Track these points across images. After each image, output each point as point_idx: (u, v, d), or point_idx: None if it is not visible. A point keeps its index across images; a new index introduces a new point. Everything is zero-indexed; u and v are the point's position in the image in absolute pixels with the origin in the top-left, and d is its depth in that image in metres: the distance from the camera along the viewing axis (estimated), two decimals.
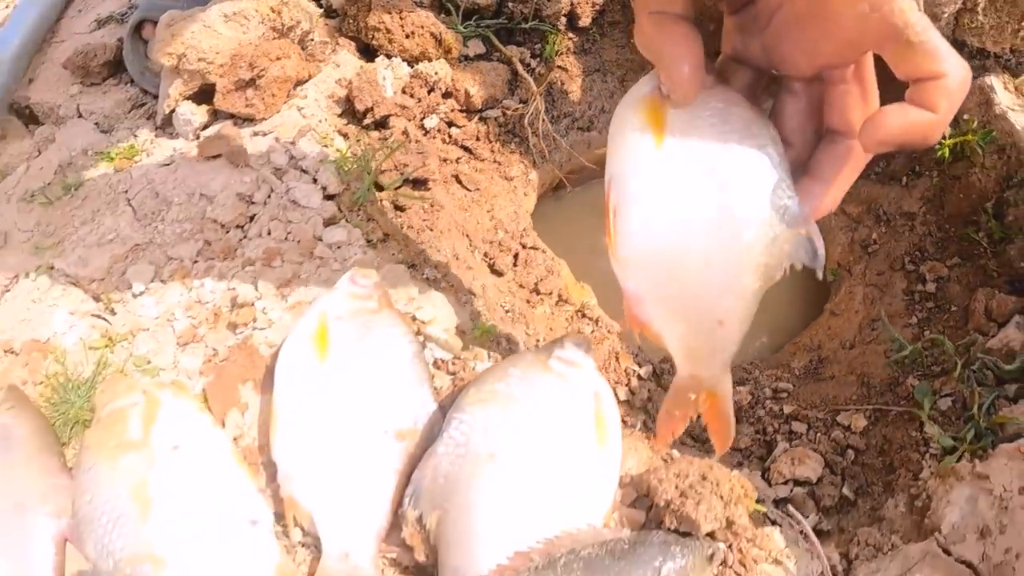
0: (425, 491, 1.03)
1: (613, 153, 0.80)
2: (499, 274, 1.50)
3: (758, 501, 1.07)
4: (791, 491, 1.22)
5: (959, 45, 1.52)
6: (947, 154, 1.45)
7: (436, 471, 1.04)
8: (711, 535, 1.01)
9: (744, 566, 1.02)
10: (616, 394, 1.33)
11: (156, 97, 1.65)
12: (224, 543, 1.01)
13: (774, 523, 1.09)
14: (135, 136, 1.59)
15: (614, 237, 0.78)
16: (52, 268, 1.39)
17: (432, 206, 1.51)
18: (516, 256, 1.52)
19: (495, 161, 1.62)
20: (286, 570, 1.02)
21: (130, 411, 1.09)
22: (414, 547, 1.02)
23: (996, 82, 1.48)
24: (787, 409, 1.34)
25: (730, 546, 1.02)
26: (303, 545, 1.06)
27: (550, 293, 1.49)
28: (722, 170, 0.72)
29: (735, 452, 1.31)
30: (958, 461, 1.13)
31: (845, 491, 1.21)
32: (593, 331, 1.45)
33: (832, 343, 1.47)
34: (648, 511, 1.06)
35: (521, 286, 1.49)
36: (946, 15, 1.48)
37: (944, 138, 1.45)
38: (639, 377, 1.40)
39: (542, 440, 1.06)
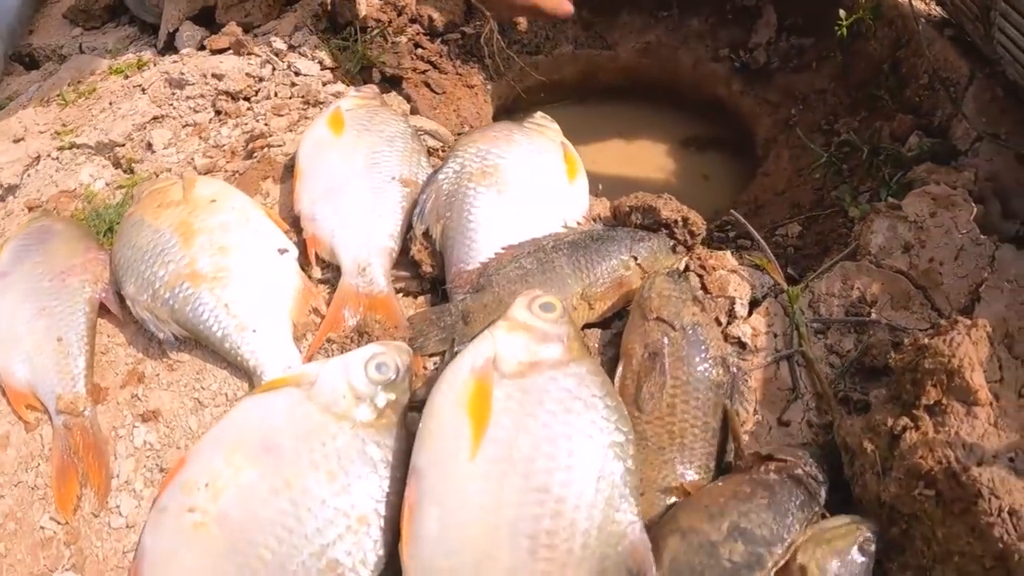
0: (429, 207, 1.19)
1: (423, 441, 0.81)
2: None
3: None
4: None
5: None
6: (845, 33, 1.71)
7: (438, 191, 1.20)
8: (671, 235, 1.19)
9: (704, 269, 1.19)
10: None
11: (155, 30, 1.86)
12: (257, 265, 1.15)
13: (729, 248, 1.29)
14: (139, 57, 1.79)
15: (406, 536, 0.79)
16: (73, 146, 1.53)
17: (408, 100, 1.73)
18: None
19: (457, 73, 1.84)
20: (308, 291, 1.15)
21: (170, 186, 1.24)
22: (422, 261, 1.18)
23: None
24: (731, 234, 1.54)
25: (688, 246, 1.20)
26: (320, 282, 1.20)
27: None
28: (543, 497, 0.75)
29: None
30: None
31: (790, 271, 1.40)
32: None
33: (767, 194, 1.67)
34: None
35: None
36: None
37: (840, 20, 1.73)
38: None
39: (525, 163, 1.25)
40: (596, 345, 1.09)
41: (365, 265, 1.15)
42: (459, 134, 1.46)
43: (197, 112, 1.54)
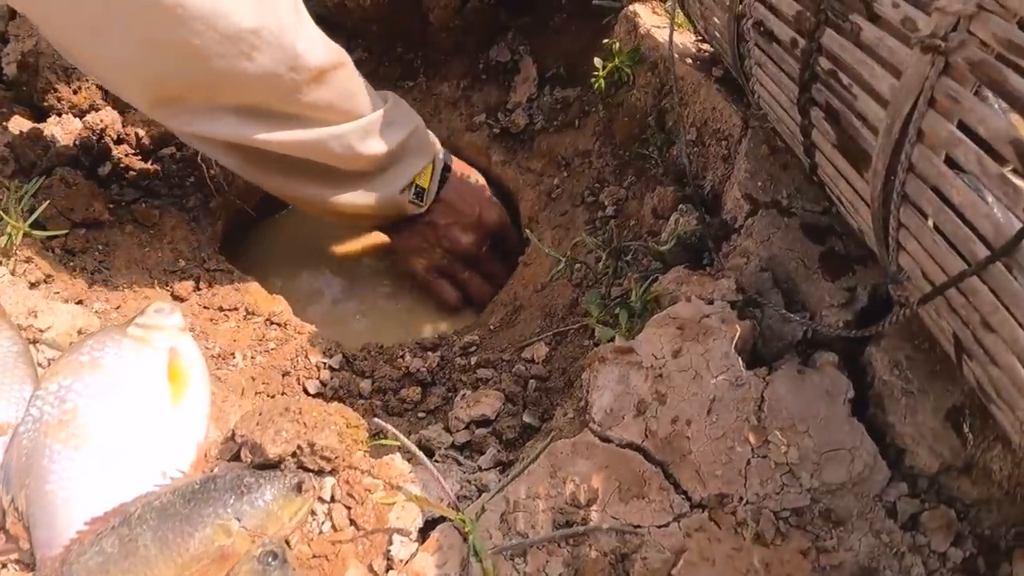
0: (13, 472, 0.82)
1: None
2: (180, 299, 1.29)
3: (375, 435, 0.86)
4: (472, 434, 1.00)
5: None
6: (604, 85, 1.31)
7: (19, 450, 0.83)
8: (301, 465, 0.78)
9: (354, 497, 0.79)
10: (306, 388, 1.14)
11: None
12: None
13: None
14: None
15: None
16: None
17: (108, 246, 1.32)
18: (199, 280, 1.32)
19: (172, 195, 1.43)
20: None
21: None
22: (19, 536, 0.78)
23: (641, 8, 1.35)
24: (474, 360, 1.14)
25: (322, 472, 0.79)
26: None
27: (236, 308, 1.28)
28: None
29: (427, 414, 1.11)
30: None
31: (527, 419, 0.99)
32: (280, 334, 1.25)
33: (526, 291, 1.26)
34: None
35: (205, 307, 1.28)
36: None
37: (597, 71, 1.32)
38: (331, 368, 1.19)
39: (111, 401, 0.85)
40: None
41: None
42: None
43: None
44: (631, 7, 1.35)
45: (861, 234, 0.86)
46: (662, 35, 1.29)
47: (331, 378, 1.16)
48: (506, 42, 1.55)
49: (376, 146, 1.23)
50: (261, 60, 1.04)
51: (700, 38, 1.28)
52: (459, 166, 1.42)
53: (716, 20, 1.04)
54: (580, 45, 1.49)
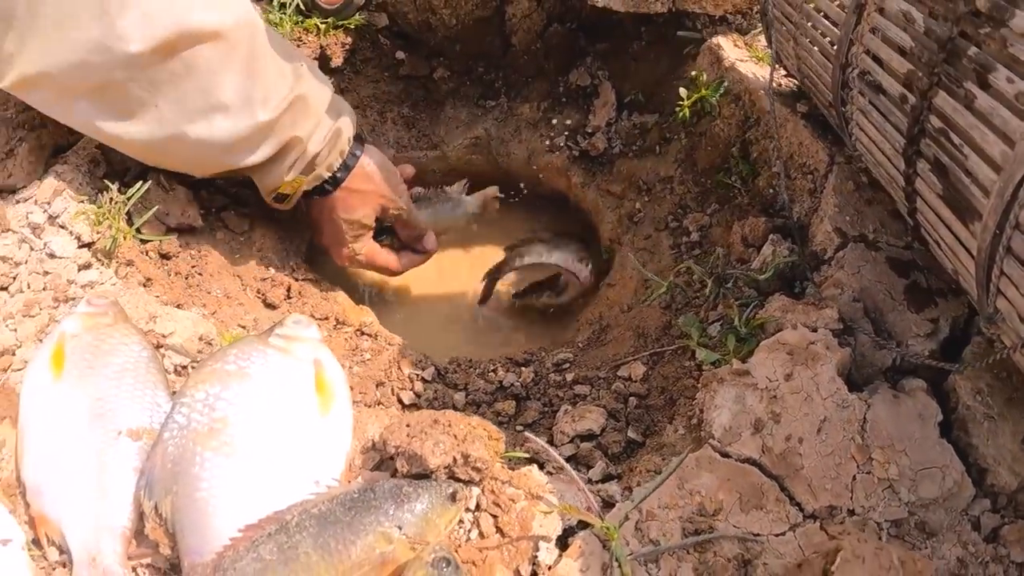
0: (156, 479, 0.87)
1: None
2: (272, 307, 1.36)
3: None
4: (577, 448, 1.08)
5: (683, 16, 1.51)
6: (688, 114, 1.40)
7: (164, 456, 0.89)
8: (452, 475, 0.87)
9: (499, 506, 0.87)
10: (401, 398, 1.21)
11: None
12: None
13: (536, 463, 0.96)
14: None
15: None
16: None
17: (200, 252, 1.39)
18: (289, 289, 1.39)
19: (260, 203, 1.50)
20: None
21: None
22: (158, 541, 0.85)
23: (724, 41, 1.44)
24: (569, 376, 1.22)
25: (471, 482, 0.88)
26: (62, 565, 0.86)
27: (327, 318, 1.36)
28: None
29: (524, 428, 1.18)
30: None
31: (631, 434, 1.07)
32: (372, 345, 1.32)
33: (612, 311, 1.34)
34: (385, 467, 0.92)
35: None
36: None
37: (682, 100, 1.41)
38: (423, 380, 1.27)
39: (261, 410, 0.92)
40: None
41: (95, 554, 0.84)
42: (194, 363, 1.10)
43: None
44: (714, 40, 1.44)
45: (955, 274, 0.94)
46: (745, 68, 1.38)
47: (424, 390, 1.23)
48: (585, 67, 1.63)
49: (238, 159, 1.24)
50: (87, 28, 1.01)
51: (785, 73, 1.36)
52: (362, 170, 1.37)
53: (815, 64, 1.13)
54: (658, 73, 1.57)
